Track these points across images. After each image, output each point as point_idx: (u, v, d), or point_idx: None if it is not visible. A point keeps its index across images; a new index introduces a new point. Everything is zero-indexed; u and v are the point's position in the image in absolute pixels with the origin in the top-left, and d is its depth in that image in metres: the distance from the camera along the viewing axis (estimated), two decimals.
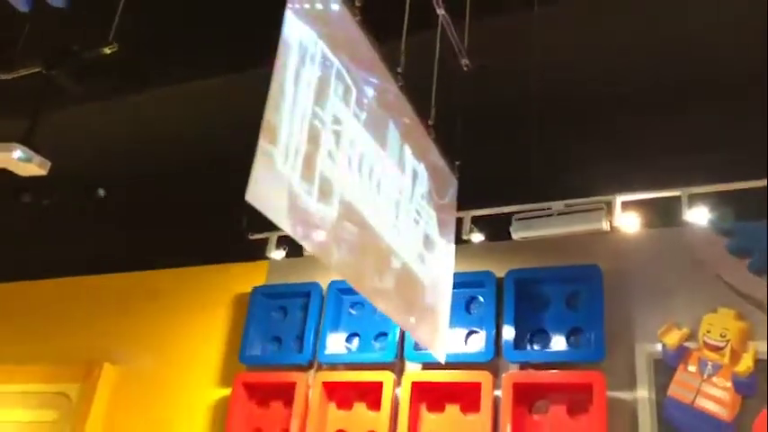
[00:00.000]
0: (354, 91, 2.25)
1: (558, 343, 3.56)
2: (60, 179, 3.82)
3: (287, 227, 1.83)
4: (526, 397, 3.50)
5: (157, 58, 3.60)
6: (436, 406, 3.71)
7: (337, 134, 2.12)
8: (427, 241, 2.77)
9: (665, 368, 3.35)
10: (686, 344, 3.35)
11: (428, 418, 3.69)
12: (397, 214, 2.50)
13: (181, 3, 3.31)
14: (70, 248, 4.91)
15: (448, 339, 2.91)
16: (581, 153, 3.24)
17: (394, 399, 3.67)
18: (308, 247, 2.00)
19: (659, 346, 3.37)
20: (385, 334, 3.86)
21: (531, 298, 3.69)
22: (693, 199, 2.97)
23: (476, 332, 3.76)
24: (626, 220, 2.99)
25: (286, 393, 3.93)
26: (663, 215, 3.31)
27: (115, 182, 4.12)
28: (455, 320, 3.76)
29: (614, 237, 3.38)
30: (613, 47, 3.04)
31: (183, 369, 4.34)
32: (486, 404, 3.46)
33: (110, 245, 4.81)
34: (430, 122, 2.93)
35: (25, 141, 3.74)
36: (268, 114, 1.78)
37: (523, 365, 3.58)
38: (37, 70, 3.23)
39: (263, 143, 1.74)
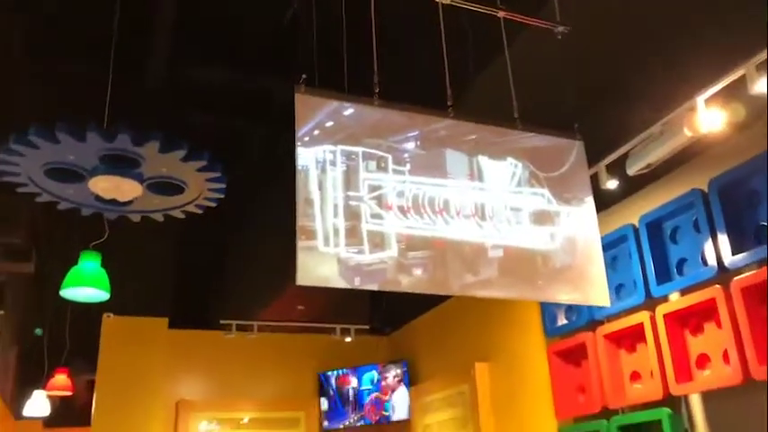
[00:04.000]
0: (389, 157, 3.03)
1: None
2: None
3: (344, 284, 2.75)
4: (763, 296, 3.43)
5: None
6: (696, 328, 3.85)
7: (379, 197, 2.94)
8: (542, 216, 3.24)
9: None
10: None
11: (692, 340, 3.86)
12: (483, 215, 3.11)
13: None
14: None
15: (601, 287, 3.23)
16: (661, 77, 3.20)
17: (655, 333, 3.96)
18: (373, 288, 2.85)
19: None
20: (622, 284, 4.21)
21: (741, 198, 3.59)
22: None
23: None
24: (709, 118, 2.90)
25: (583, 351, 4.51)
26: None
27: None
28: (683, 247, 3.92)
29: None
30: None
31: (512, 356, 5.27)
32: (723, 314, 3.53)
33: None
34: (515, 114, 3.41)
35: None
36: (300, 221, 2.75)
37: (750, 267, 3.49)
38: None
39: (300, 243, 2.72)
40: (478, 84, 3.58)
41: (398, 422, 6.93)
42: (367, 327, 7.05)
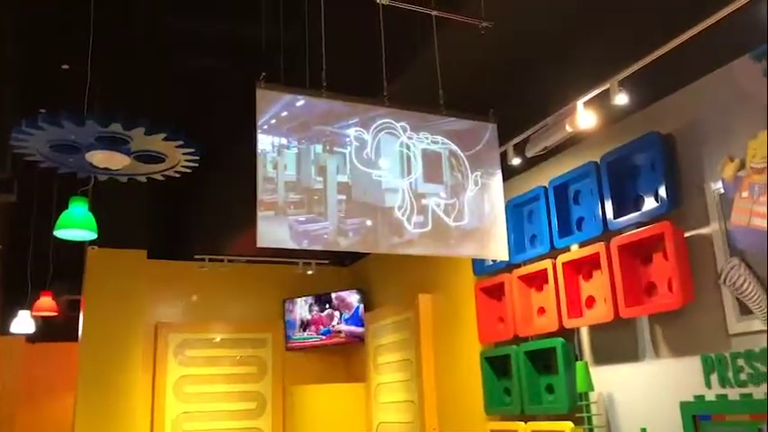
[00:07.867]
0: (335, 138, 3.73)
1: (650, 203, 4.23)
2: None
3: (294, 246, 3.51)
4: (634, 253, 4.28)
5: None
6: (587, 274, 4.72)
7: (324, 175, 3.66)
8: (458, 187, 4.00)
9: (729, 201, 3.78)
10: (740, 173, 3.72)
11: (584, 285, 4.74)
12: (409, 188, 3.85)
13: None
14: None
15: (502, 244, 4.05)
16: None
17: (556, 277, 4.83)
18: (317, 247, 3.62)
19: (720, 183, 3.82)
20: (535, 235, 5.05)
21: (624, 172, 4.39)
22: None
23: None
24: (585, 118, 3.65)
25: (502, 289, 5.40)
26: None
27: None
28: (583, 208, 4.73)
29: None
30: None
31: (449, 290, 6.16)
32: (604, 265, 4.39)
33: None
34: (441, 101, 4.11)
35: None
36: (260, 196, 3.48)
37: (629, 228, 4.32)
38: None
39: (260, 213, 3.46)
40: (407, 75, 4.24)
41: (354, 342, 7.89)
42: (327, 261, 7.89)
